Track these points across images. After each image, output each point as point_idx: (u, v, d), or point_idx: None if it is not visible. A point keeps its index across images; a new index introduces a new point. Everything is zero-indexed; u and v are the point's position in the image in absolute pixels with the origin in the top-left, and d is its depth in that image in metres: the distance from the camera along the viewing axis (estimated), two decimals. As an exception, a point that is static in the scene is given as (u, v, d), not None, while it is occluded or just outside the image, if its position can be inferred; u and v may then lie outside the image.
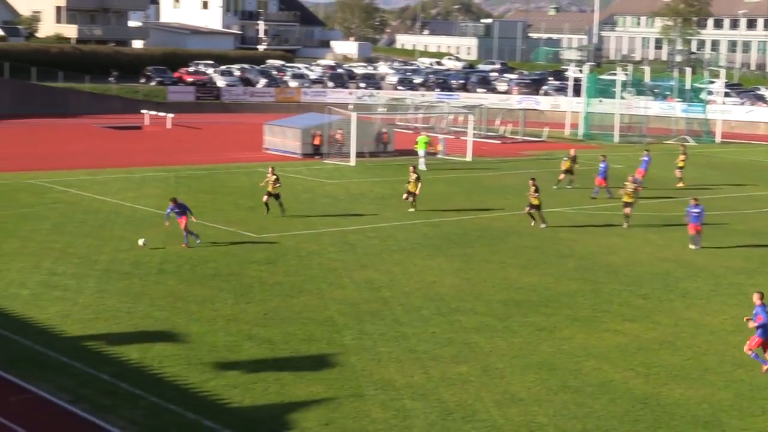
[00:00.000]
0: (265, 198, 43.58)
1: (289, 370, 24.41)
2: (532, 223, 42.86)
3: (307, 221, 43.09)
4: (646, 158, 56.27)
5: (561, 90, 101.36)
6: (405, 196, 46.13)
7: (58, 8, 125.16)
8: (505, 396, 23.19)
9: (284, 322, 28.42)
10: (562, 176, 53.91)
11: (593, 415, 22.22)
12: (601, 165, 51.46)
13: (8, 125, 78.17)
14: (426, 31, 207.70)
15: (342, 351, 26.06)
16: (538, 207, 42.78)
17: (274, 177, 43.19)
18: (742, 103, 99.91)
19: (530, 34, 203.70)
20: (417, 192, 45.61)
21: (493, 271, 35.40)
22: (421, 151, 60.57)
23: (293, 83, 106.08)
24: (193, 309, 29.35)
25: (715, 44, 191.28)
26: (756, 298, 25.20)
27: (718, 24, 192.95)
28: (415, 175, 45.71)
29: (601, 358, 26.15)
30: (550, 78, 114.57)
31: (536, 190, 42.33)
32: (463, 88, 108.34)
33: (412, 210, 45.58)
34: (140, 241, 36.72)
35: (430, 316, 29.46)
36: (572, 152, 55.55)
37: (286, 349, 26.10)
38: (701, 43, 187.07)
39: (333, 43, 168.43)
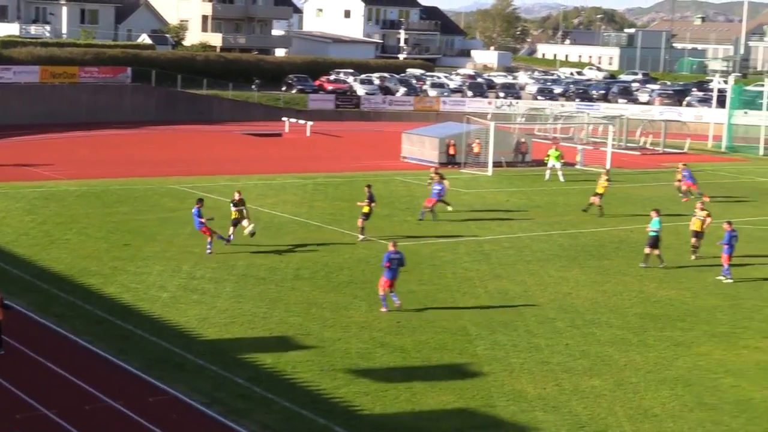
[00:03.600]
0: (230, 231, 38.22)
1: (420, 379, 24.45)
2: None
3: (443, 230, 43.07)
4: None
5: (705, 101, 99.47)
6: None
7: (205, 17, 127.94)
8: (638, 411, 22.84)
9: (417, 330, 28.47)
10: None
11: (730, 434, 21.75)
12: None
13: (154, 131, 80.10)
14: (567, 41, 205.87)
15: (474, 361, 26.00)
16: None
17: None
18: None
19: (674, 45, 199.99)
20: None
21: (629, 283, 34.91)
22: (556, 164, 59.53)
23: (432, 92, 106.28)
24: (327, 315, 29.62)
25: None
26: None
27: None
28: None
29: (740, 376, 25.55)
30: (693, 89, 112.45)
31: None
32: (604, 98, 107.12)
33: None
34: (248, 228, 38.12)
35: (563, 328, 29.19)
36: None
37: (418, 358, 26.15)
38: None
39: (473, 53, 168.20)
